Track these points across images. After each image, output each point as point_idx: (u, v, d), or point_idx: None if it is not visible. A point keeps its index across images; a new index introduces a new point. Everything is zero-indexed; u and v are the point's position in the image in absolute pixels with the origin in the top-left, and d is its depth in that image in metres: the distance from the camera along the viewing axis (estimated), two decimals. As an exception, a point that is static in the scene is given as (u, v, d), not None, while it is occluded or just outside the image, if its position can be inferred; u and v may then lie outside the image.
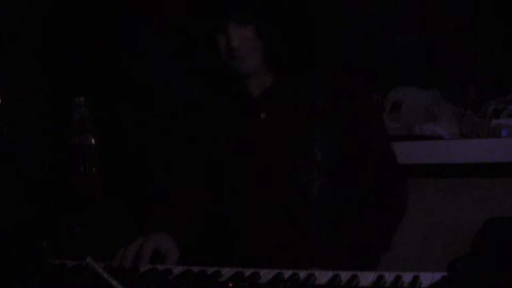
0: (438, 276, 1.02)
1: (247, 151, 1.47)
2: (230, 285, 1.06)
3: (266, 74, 1.46)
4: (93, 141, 1.78)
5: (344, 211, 1.42)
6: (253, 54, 1.39)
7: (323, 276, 1.10)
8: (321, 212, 1.43)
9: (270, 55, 1.41)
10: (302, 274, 1.11)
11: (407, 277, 1.04)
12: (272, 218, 1.44)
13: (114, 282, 1.04)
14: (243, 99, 1.49)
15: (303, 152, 1.41)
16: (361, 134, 1.42)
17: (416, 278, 1.02)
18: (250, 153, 1.46)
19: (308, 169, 1.41)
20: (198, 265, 1.20)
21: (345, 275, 1.09)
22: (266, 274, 1.12)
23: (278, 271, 1.13)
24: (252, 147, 1.46)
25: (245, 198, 1.47)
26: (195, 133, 1.60)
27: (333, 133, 1.41)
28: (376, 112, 1.53)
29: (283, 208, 1.43)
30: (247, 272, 1.14)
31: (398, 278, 1.04)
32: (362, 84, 1.47)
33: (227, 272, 1.15)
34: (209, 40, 1.41)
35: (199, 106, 1.62)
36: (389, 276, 1.05)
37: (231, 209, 1.50)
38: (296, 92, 1.45)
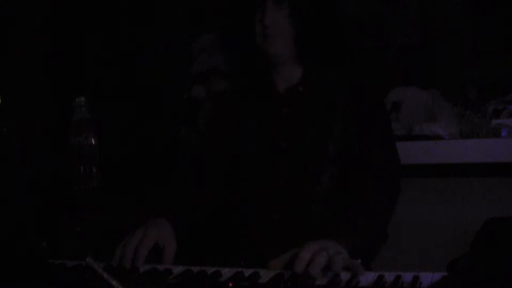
0: (438, 276, 1.02)
1: (267, 141, 1.53)
2: (230, 285, 1.06)
3: (294, 68, 1.52)
4: (93, 141, 1.78)
5: (346, 207, 1.44)
6: (284, 37, 1.46)
7: (323, 276, 1.09)
8: (328, 203, 1.47)
9: (300, 41, 1.47)
10: (302, 274, 1.11)
11: (407, 277, 1.04)
12: (282, 208, 1.49)
13: (114, 282, 1.05)
14: (269, 93, 1.56)
15: (318, 144, 1.47)
16: (373, 136, 1.48)
17: (416, 278, 1.02)
18: (270, 144, 1.52)
19: (320, 160, 1.47)
20: (198, 265, 1.20)
21: (345, 275, 1.09)
22: (266, 274, 1.13)
23: (278, 271, 1.13)
24: (272, 139, 1.52)
25: (259, 189, 1.52)
26: (215, 124, 1.66)
27: (347, 131, 1.48)
28: (387, 115, 1.61)
29: (294, 199, 1.48)
30: (247, 272, 1.14)
31: (398, 278, 1.04)
32: (381, 88, 1.53)
33: (227, 272, 1.15)
34: (246, 22, 1.49)
35: (224, 99, 1.69)
36: (389, 276, 1.05)
37: (244, 198, 1.55)
38: (320, 90, 1.52)
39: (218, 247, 1.63)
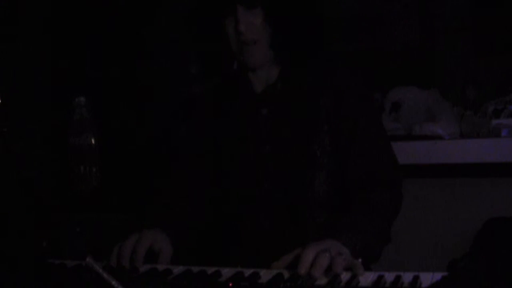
0: (438, 276, 1.02)
1: (248, 146, 1.47)
2: (230, 285, 1.06)
3: (271, 68, 1.46)
4: (93, 141, 1.78)
5: (343, 209, 1.42)
6: (260, 42, 1.39)
7: (323, 276, 1.09)
8: (321, 208, 1.43)
9: (277, 44, 1.40)
10: (302, 274, 1.11)
11: (407, 277, 1.04)
12: (272, 214, 1.45)
13: (114, 282, 1.05)
14: (246, 94, 1.49)
15: (303, 149, 1.42)
16: (361, 134, 1.42)
17: (416, 278, 1.02)
18: (251, 149, 1.46)
19: (308, 166, 1.41)
20: (198, 265, 1.20)
21: (345, 275, 1.09)
22: (266, 274, 1.13)
23: (278, 271, 1.13)
24: (253, 143, 1.46)
25: (246, 193, 1.47)
26: (197, 127, 1.60)
27: (333, 132, 1.42)
28: (376, 113, 1.53)
29: (284, 204, 1.44)
30: (247, 272, 1.14)
31: (398, 278, 1.04)
32: (365, 85, 1.48)
33: (227, 272, 1.15)
34: (218, 30, 1.41)
35: (202, 101, 1.62)
36: (389, 276, 1.06)
37: (232, 205, 1.50)
38: (300, 89, 1.45)
39: (211, 258, 1.58)
